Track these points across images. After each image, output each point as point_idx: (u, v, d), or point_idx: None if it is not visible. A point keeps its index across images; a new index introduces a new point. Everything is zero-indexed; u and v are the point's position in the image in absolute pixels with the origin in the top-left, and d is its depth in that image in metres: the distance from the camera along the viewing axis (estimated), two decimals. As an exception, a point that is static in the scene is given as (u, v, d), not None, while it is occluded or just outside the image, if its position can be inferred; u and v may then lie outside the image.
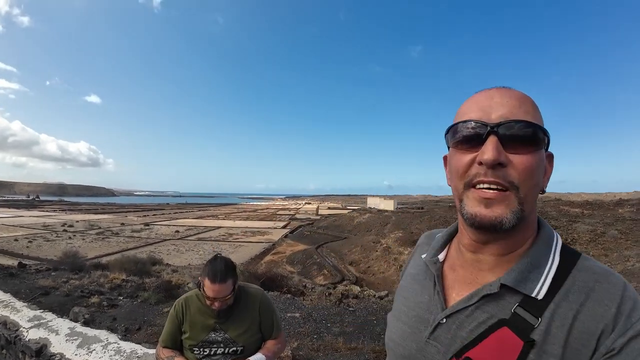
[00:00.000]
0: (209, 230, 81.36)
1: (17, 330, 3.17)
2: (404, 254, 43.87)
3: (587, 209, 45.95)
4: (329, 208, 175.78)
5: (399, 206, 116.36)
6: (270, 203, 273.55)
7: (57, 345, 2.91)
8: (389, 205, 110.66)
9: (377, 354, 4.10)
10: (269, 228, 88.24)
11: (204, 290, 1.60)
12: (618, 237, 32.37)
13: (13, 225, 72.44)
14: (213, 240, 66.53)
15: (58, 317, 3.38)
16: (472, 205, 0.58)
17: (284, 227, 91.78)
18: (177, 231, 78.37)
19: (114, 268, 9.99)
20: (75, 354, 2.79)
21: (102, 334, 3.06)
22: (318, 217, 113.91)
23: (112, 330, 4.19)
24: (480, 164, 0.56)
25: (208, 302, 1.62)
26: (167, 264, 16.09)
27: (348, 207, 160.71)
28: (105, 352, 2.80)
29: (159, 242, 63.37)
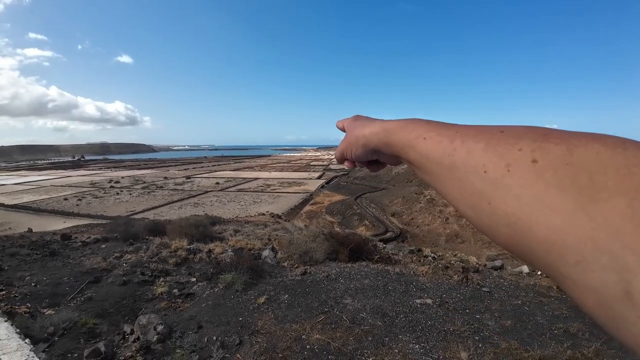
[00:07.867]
0: (247, 182, 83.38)
1: None
2: (450, 206, 42.12)
3: None
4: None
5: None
6: (302, 154, 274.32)
7: None
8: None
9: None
10: (304, 179, 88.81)
11: None
12: None
13: (61, 185, 76.77)
14: (252, 191, 68.15)
15: None
16: None
17: (319, 177, 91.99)
18: (218, 183, 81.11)
19: (172, 233, 8.99)
20: None
21: None
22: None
23: (202, 350, 3.10)
24: None
25: None
26: (224, 219, 15.76)
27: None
28: None
29: (201, 194, 65.96)
